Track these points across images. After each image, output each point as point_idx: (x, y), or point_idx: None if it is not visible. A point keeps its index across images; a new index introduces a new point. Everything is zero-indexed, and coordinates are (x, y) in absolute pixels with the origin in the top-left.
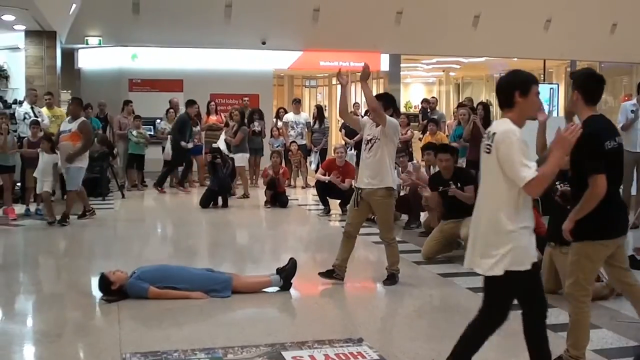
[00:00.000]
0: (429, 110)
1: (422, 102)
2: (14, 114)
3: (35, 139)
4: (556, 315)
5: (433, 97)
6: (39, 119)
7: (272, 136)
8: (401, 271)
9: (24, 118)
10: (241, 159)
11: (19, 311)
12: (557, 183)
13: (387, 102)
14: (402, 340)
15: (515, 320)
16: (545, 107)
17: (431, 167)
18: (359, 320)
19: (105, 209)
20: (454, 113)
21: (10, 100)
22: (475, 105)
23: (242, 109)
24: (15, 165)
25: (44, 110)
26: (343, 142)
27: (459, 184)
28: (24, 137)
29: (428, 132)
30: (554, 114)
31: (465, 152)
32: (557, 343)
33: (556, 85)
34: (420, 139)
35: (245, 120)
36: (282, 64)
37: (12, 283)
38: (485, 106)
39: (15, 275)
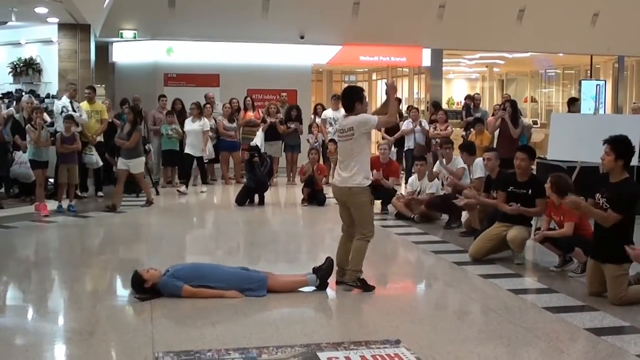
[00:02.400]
0: (472, 107)
1: (465, 99)
2: (47, 108)
3: (69, 134)
4: (600, 318)
5: (477, 94)
6: (77, 114)
7: (310, 133)
8: (442, 271)
9: (62, 112)
10: (138, 166)
11: (51, 308)
12: (597, 195)
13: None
14: (441, 343)
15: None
16: (592, 104)
17: (470, 166)
18: (396, 322)
19: (139, 205)
20: (495, 110)
21: (42, 94)
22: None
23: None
24: (48, 161)
25: (84, 104)
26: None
27: (530, 191)
28: (58, 132)
29: (474, 131)
30: (601, 110)
31: None
32: (599, 348)
33: (603, 82)
34: (463, 137)
35: (282, 117)
36: (321, 59)
37: (44, 280)
38: (513, 103)
39: (47, 272)
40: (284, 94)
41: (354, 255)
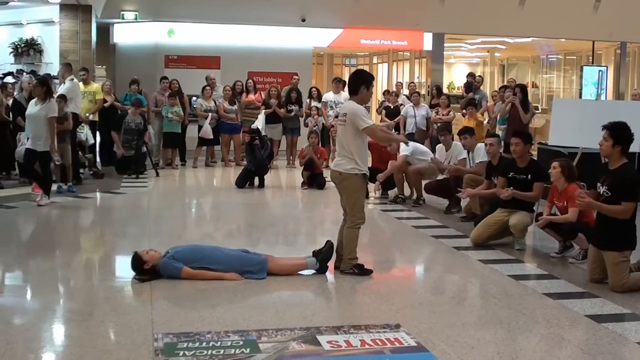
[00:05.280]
0: (473, 87)
1: (467, 76)
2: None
3: (61, 113)
4: (600, 305)
5: (479, 76)
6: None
7: (309, 116)
8: (442, 256)
9: None
10: None
11: (50, 289)
12: (598, 184)
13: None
14: (441, 327)
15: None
16: (594, 90)
17: (469, 151)
18: (396, 306)
19: (139, 187)
20: (494, 96)
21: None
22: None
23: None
24: None
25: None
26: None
27: (529, 176)
28: None
29: (467, 116)
30: (603, 97)
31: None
32: (600, 334)
33: (605, 68)
34: (463, 114)
35: (283, 100)
36: (322, 42)
37: (43, 260)
38: (523, 88)
39: (47, 252)
40: (296, 77)
41: (346, 243)
